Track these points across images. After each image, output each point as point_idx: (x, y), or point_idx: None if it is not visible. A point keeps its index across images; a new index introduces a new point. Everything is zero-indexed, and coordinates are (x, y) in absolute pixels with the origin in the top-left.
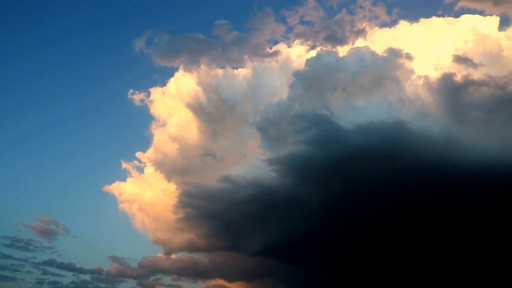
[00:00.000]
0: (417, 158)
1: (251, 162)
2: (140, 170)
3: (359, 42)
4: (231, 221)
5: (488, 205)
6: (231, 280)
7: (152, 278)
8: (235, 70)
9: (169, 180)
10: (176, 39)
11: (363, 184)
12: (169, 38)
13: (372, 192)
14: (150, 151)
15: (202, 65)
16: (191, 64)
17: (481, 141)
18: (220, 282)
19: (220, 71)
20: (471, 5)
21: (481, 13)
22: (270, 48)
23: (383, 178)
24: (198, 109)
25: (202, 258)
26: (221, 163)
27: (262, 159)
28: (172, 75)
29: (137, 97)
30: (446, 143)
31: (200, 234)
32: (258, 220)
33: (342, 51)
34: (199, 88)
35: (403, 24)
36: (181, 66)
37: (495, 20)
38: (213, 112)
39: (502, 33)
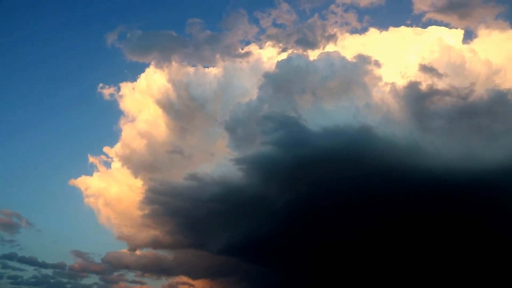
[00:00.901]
0: (381, 163)
1: (218, 161)
2: (107, 165)
3: (330, 47)
4: (196, 219)
5: (448, 210)
6: (195, 277)
7: (115, 273)
8: (206, 69)
9: (136, 176)
10: (149, 35)
11: (328, 187)
12: (141, 33)
13: (337, 194)
14: (118, 146)
15: (173, 62)
16: (163, 60)
17: (443, 148)
18: (184, 279)
19: (191, 69)
20: (438, 18)
21: (447, 25)
22: (242, 49)
23: (348, 181)
24: (167, 106)
25: (166, 254)
26: (189, 161)
27: (230, 158)
28: (143, 71)
29: (107, 91)
30: (409, 149)
31: (165, 231)
32: (224, 218)
33: (313, 55)
34: (169, 85)
35: (373, 32)
36: (152, 63)
37: (459, 33)
38: (182, 109)
39: (466, 46)
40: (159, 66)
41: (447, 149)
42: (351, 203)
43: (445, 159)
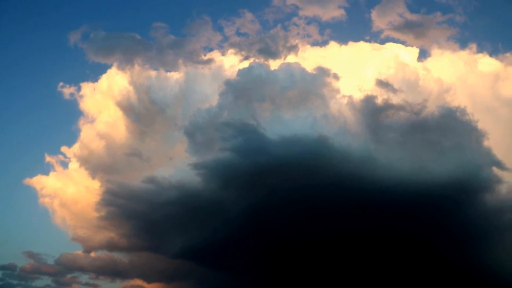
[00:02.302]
0: (336, 172)
1: (176, 165)
2: (64, 165)
3: (291, 58)
4: (153, 222)
5: (398, 219)
6: (149, 280)
7: (69, 275)
8: (168, 73)
9: (93, 177)
10: (112, 37)
11: (285, 194)
12: (105, 34)
13: (293, 202)
14: (76, 147)
15: (136, 65)
16: (125, 63)
17: (395, 160)
18: (139, 282)
19: (153, 73)
20: (395, 35)
21: (404, 43)
22: (205, 55)
23: (304, 189)
24: (128, 109)
25: (121, 257)
26: (147, 164)
27: (188, 163)
28: (105, 72)
29: (67, 90)
30: (363, 160)
31: (121, 233)
32: (180, 222)
33: (274, 64)
34: (130, 88)
35: (333, 45)
36: (114, 64)
37: (415, 51)
38: (142, 112)
39: (420, 63)
40: (121, 68)
41: (399, 161)
42: (306, 211)
43: (397, 170)
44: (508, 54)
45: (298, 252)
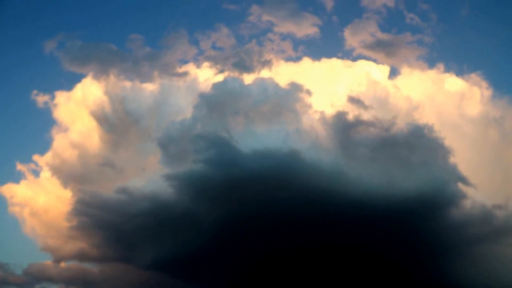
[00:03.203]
0: (307, 187)
1: (149, 176)
2: (36, 173)
3: (265, 73)
4: (124, 233)
5: (367, 234)
6: None
7: (37, 286)
8: (143, 84)
9: (65, 187)
10: (89, 46)
11: (256, 207)
12: (81, 44)
13: (264, 215)
14: (49, 155)
15: (111, 76)
16: (101, 73)
17: (365, 175)
18: None
19: (128, 84)
20: (367, 53)
21: (375, 61)
22: (180, 68)
23: (276, 203)
24: (102, 119)
25: (92, 268)
26: (120, 175)
27: (161, 174)
28: (80, 81)
29: (41, 98)
30: (334, 174)
31: (92, 243)
32: (152, 233)
33: (248, 79)
34: (105, 98)
35: (306, 61)
36: (90, 74)
37: (386, 69)
38: (117, 123)
39: (390, 81)
40: (96, 77)
41: (369, 176)
42: (278, 224)
43: (367, 185)
44: (473, 75)
45: (270, 265)
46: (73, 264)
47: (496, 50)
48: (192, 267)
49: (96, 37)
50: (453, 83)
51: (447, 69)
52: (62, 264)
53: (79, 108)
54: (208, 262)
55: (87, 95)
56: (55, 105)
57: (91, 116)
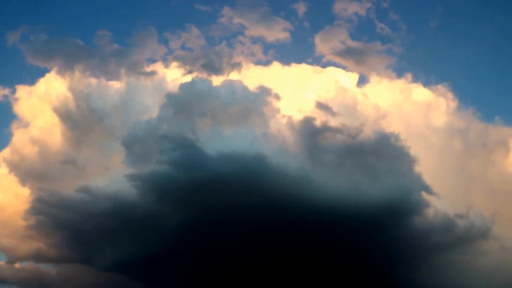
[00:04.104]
0: (273, 191)
1: (112, 176)
2: None
3: (234, 75)
4: (84, 233)
5: (332, 240)
6: None
7: None
8: (109, 82)
9: (23, 184)
10: (54, 40)
11: (221, 211)
12: (46, 37)
13: (229, 219)
14: (7, 151)
15: (76, 71)
16: (65, 68)
17: (331, 182)
18: None
19: (93, 81)
20: (337, 60)
21: (344, 68)
22: (148, 67)
23: (241, 207)
24: (65, 115)
25: (49, 269)
26: (82, 173)
27: (124, 174)
28: (43, 76)
29: (0, 92)
30: (300, 180)
31: (50, 243)
32: (113, 234)
33: (217, 80)
34: (69, 94)
35: (276, 65)
36: (54, 69)
37: (355, 77)
38: (80, 120)
39: (359, 89)
40: (60, 73)
41: (335, 183)
42: (242, 229)
43: (332, 192)
44: (439, 86)
45: (234, 270)
46: (28, 264)
47: (462, 63)
48: (153, 270)
49: (62, 31)
50: (420, 93)
51: (415, 79)
52: (17, 265)
53: (41, 104)
54: (170, 266)
55: (50, 91)
56: (15, 99)
57: (54, 112)
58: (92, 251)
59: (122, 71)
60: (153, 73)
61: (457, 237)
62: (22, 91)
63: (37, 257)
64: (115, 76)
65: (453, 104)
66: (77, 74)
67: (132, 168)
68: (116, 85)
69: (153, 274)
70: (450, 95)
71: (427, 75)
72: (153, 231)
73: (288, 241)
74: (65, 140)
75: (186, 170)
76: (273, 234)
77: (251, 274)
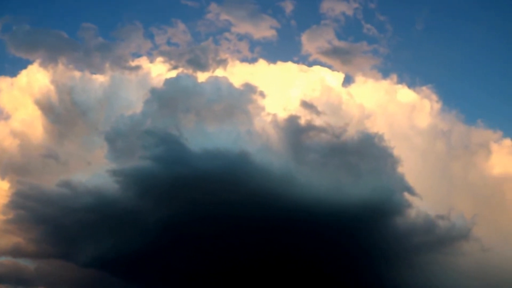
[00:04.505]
0: (256, 189)
1: (94, 171)
2: None
3: (219, 72)
4: (65, 228)
5: (314, 238)
6: None
7: None
8: (93, 75)
9: (3, 177)
10: (37, 32)
11: (204, 207)
12: (30, 28)
13: (212, 216)
14: None
15: (60, 64)
16: (49, 60)
17: (314, 181)
18: None
19: (77, 74)
20: (323, 59)
21: (330, 67)
22: (133, 61)
23: (224, 204)
24: (47, 108)
25: (28, 264)
26: (64, 167)
27: (107, 169)
28: (25, 68)
29: None
30: (283, 178)
31: (29, 238)
32: (94, 230)
33: (202, 77)
34: (52, 87)
35: (262, 63)
36: (37, 60)
37: (340, 76)
38: (63, 114)
39: (344, 89)
40: (43, 65)
41: (318, 181)
42: (224, 226)
43: (315, 190)
44: (424, 88)
45: (217, 267)
46: (6, 260)
47: (447, 65)
48: (134, 267)
49: (46, 23)
50: (405, 94)
51: (400, 81)
52: None
53: (23, 96)
54: (151, 262)
55: (32, 83)
56: None
57: (36, 105)
58: (73, 246)
59: (107, 65)
60: (138, 67)
61: (438, 238)
62: (3, 82)
63: (16, 252)
64: (99, 70)
65: (437, 106)
66: (60, 67)
67: (114, 163)
68: (100, 79)
69: (134, 270)
70: (434, 97)
71: (412, 76)
72: (135, 227)
73: (270, 239)
74: (46, 134)
75: (169, 166)
76: (255, 232)
77: (233, 271)
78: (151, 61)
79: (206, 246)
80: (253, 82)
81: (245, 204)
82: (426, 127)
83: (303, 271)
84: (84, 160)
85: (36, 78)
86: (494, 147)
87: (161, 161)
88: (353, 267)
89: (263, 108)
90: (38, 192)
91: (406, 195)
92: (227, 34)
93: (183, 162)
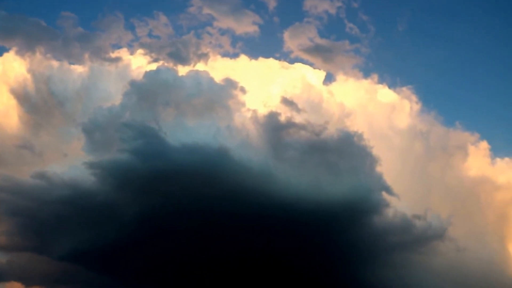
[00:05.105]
0: (234, 185)
1: (71, 163)
2: None
3: (200, 66)
4: (39, 221)
5: (290, 236)
6: (28, 284)
7: None
8: (72, 66)
9: None
10: (15, 19)
11: (181, 202)
12: (6, 15)
13: (189, 210)
14: None
15: (37, 53)
16: (26, 48)
17: (293, 178)
18: (16, 285)
19: (55, 63)
20: (305, 57)
21: (312, 65)
22: (113, 52)
23: (202, 199)
24: (23, 98)
25: None
26: (39, 159)
27: (83, 161)
28: (1, 55)
29: None
30: (262, 175)
31: (1, 230)
32: (70, 223)
33: (182, 70)
34: (28, 76)
35: (243, 58)
36: (13, 48)
37: (321, 74)
38: (39, 104)
39: (325, 87)
40: (20, 53)
41: (297, 179)
42: (202, 221)
43: (294, 188)
44: (404, 88)
45: (192, 261)
46: None
47: (428, 67)
48: (109, 260)
49: (24, 10)
50: (385, 94)
51: (381, 80)
52: None
53: None
54: (127, 256)
55: (8, 71)
56: None
57: (11, 93)
58: (47, 239)
59: (86, 55)
60: (117, 59)
61: (414, 238)
62: None
63: None
64: (78, 60)
65: (417, 107)
66: (38, 56)
67: (91, 155)
68: (78, 70)
69: (109, 264)
70: (414, 97)
71: (393, 77)
72: (111, 221)
73: (247, 235)
74: (22, 124)
75: (147, 160)
76: (232, 228)
77: (208, 267)
78: (132, 53)
79: (183, 240)
80: (234, 77)
81: (223, 199)
82: (405, 128)
83: (276, 268)
84: (60, 152)
85: (12, 67)
86: (471, 149)
87: (139, 154)
88: (328, 266)
89: (243, 104)
90: (12, 183)
91: (384, 194)
92: (209, 29)
93: (161, 156)
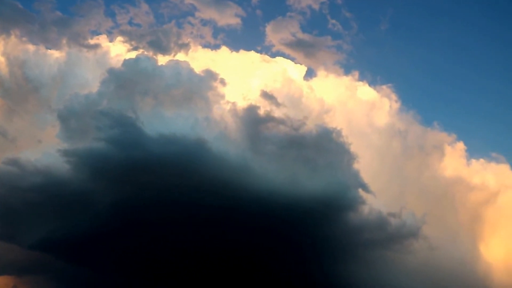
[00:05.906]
0: (211, 177)
1: (45, 150)
2: None
3: (180, 56)
4: (10, 208)
5: (265, 230)
6: None
7: None
8: (49, 50)
9: None
10: None
11: (157, 193)
12: None
13: (164, 201)
14: None
15: (12, 36)
16: (0, 31)
17: (270, 172)
18: None
19: (31, 47)
20: (287, 51)
21: (293, 60)
22: (91, 39)
23: (178, 191)
24: None
25: None
26: (12, 145)
27: (58, 148)
28: None
29: None
30: (239, 168)
31: None
32: (42, 211)
33: (162, 60)
34: (2, 59)
35: (224, 50)
36: None
37: (302, 69)
38: (13, 88)
39: (306, 82)
40: None
41: (274, 173)
42: (177, 212)
43: (270, 182)
44: (384, 87)
45: (168, 252)
46: None
47: (408, 67)
48: (81, 250)
49: None
50: (365, 92)
51: (361, 78)
52: None
53: None
54: (100, 246)
55: None
56: None
57: None
58: (17, 227)
59: (63, 40)
60: (96, 46)
61: (388, 235)
62: None
63: None
64: (55, 45)
65: (396, 105)
66: (13, 39)
67: (66, 143)
68: (55, 55)
69: (81, 254)
70: (393, 96)
71: (373, 75)
72: (85, 210)
73: (221, 228)
74: None
75: (123, 149)
76: (207, 220)
77: (182, 259)
78: (111, 40)
79: (157, 231)
80: (214, 69)
81: (199, 191)
82: (384, 126)
83: (248, 263)
84: (34, 138)
85: None
86: (448, 149)
87: (115, 143)
88: (301, 261)
89: (222, 96)
90: None
91: (361, 191)
92: (190, 19)
93: (138, 145)
